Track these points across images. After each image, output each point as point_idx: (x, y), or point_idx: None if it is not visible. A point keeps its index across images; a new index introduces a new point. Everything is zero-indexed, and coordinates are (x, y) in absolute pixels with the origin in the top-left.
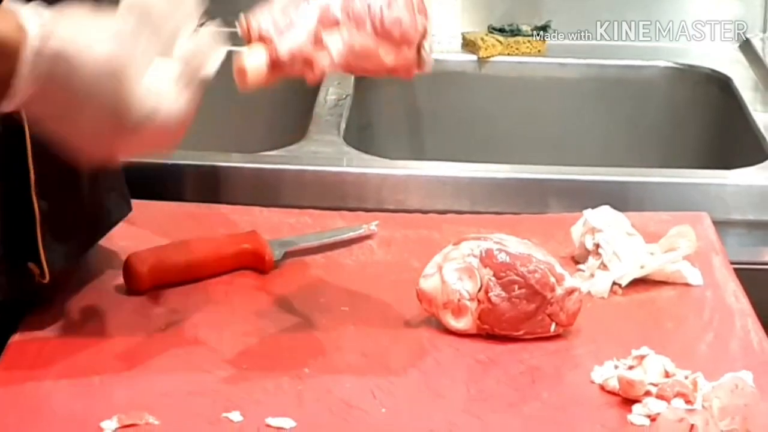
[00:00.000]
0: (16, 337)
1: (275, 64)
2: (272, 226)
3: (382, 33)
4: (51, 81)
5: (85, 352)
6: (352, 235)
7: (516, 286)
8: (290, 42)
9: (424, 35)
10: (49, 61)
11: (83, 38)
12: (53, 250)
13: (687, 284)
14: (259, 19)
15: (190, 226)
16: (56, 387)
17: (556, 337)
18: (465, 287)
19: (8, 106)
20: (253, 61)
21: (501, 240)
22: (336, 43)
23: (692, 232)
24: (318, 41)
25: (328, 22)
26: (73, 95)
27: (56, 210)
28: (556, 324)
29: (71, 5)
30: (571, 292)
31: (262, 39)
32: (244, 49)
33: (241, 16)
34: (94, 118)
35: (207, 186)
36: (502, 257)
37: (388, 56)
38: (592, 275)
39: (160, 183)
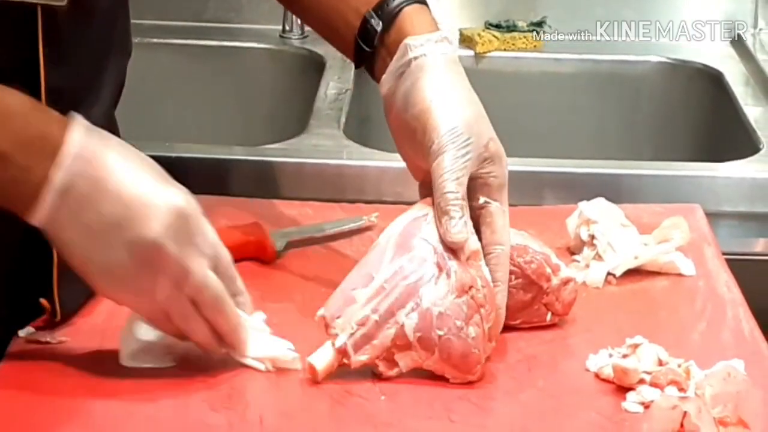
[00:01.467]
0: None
1: (342, 363)
2: (274, 217)
3: (448, 361)
4: (79, 200)
5: (88, 342)
6: (352, 226)
7: (512, 277)
8: (361, 358)
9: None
10: (83, 176)
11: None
12: (67, 288)
13: (680, 274)
14: (338, 324)
15: None
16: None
17: (552, 326)
18: None
19: (36, 217)
20: (322, 363)
21: None
22: (406, 363)
23: (685, 224)
24: (390, 359)
25: (401, 343)
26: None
27: None
28: (552, 313)
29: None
30: (566, 282)
31: (333, 344)
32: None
33: (319, 313)
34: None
35: (210, 178)
36: None
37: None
38: (587, 266)
39: None
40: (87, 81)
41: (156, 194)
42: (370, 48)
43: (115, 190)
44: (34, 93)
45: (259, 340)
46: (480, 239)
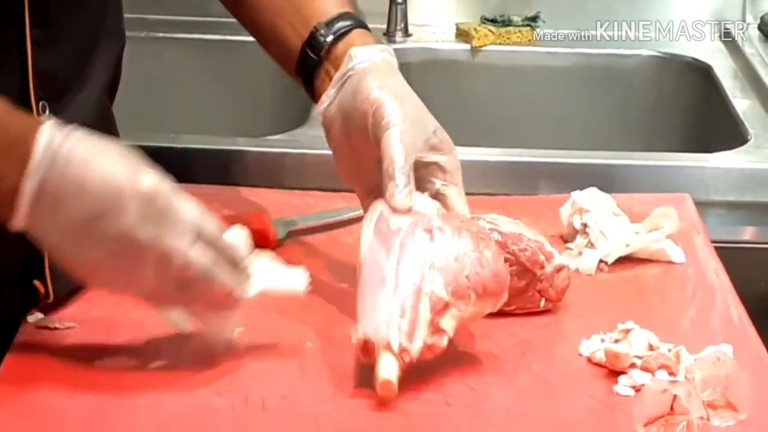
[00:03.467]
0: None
1: (407, 364)
2: (276, 206)
3: (484, 295)
4: (53, 202)
5: (93, 332)
6: (352, 215)
7: (507, 264)
8: (418, 344)
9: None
10: (53, 179)
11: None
12: (59, 271)
13: (670, 262)
14: (383, 334)
15: None
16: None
17: (546, 312)
18: None
19: (16, 223)
20: (392, 373)
21: (493, 220)
22: (450, 324)
23: (675, 213)
24: (436, 329)
25: (439, 307)
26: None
27: None
28: (546, 300)
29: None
30: (559, 269)
31: (390, 350)
32: (380, 368)
33: (353, 331)
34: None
35: (215, 168)
36: (494, 236)
37: (501, 306)
38: (580, 253)
39: (170, 166)
40: (77, 65)
41: (121, 185)
42: (317, 57)
43: (83, 187)
44: (23, 75)
45: (268, 274)
46: None
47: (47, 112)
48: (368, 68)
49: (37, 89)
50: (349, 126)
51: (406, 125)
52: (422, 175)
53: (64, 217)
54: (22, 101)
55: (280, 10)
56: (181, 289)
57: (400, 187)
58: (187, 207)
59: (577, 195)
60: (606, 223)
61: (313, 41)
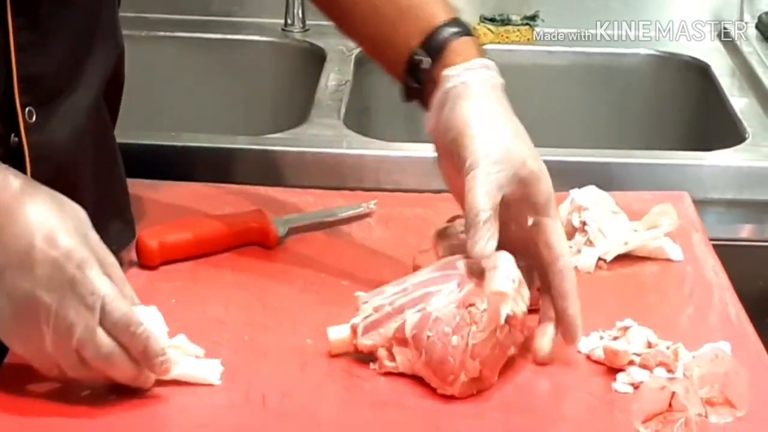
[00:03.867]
0: None
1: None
2: (276, 204)
3: (429, 365)
4: None
5: None
6: (351, 213)
7: None
8: (368, 342)
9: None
10: None
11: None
12: None
13: (669, 260)
14: (362, 308)
15: (199, 205)
16: None
17: None
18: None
19: None
20: (337, 336)
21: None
22: (401, 358)
23: (673, 211)
24: (390, 350)
25: (400, 337)
26: None
27: None
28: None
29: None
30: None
31: (353, 327)
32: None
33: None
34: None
35: (215, 167)
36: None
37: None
38: (579, 251)
39: (171, 164)
40: (67, 69)
41: (35, 242)
42: (419, 84)
43: (1, 241)
44: (7, 81)
45: (183, 363)
46: (540, 259)
47: (34, 118)
48: (460, 93)
49: (22, 95)
50: (445, 154)
51: (489, 166)
52: (513, 213)
53: None
54: (6, 107)
55: (378, 29)
56: (82, 364)
57: (479, 236)
58: (100, 282)
59: (575, 193)
60: (605, 221)
61: (413, 67)
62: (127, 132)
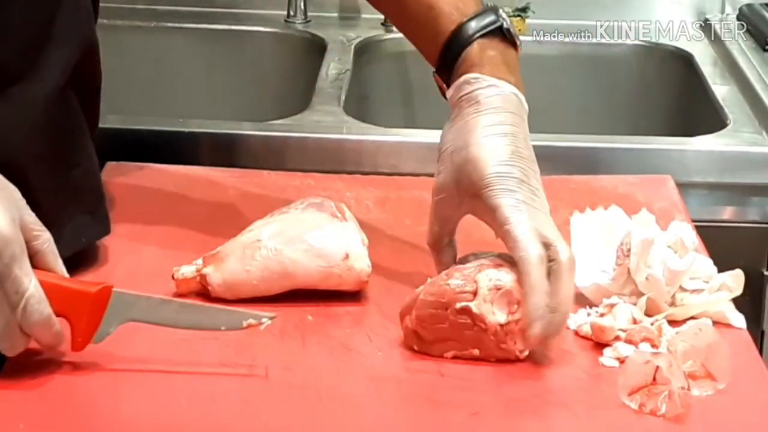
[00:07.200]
0: None
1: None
2: (279, 188)
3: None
4: None
5: None
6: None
7: None
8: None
9: None
10: None
11: None
12: None
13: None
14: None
15: (204, 188)
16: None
17: None
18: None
19: None
20: (185, 273)
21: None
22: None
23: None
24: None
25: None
26: None
27: None
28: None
29: None
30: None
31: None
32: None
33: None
34: None
35: (220, 151)
36: None
37: None
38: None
39: (177, 149)
40: (23, 60)
41: None
42: (447, 85)
43: None
44: None
45: None
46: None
47: None
48: (478, 111)
49: None
50: (459, 176)
51: (533, 244)
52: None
53: None
54: None
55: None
56: None
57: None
58: (27, 281)
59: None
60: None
61: (440, 69)
62: (138, 118)
